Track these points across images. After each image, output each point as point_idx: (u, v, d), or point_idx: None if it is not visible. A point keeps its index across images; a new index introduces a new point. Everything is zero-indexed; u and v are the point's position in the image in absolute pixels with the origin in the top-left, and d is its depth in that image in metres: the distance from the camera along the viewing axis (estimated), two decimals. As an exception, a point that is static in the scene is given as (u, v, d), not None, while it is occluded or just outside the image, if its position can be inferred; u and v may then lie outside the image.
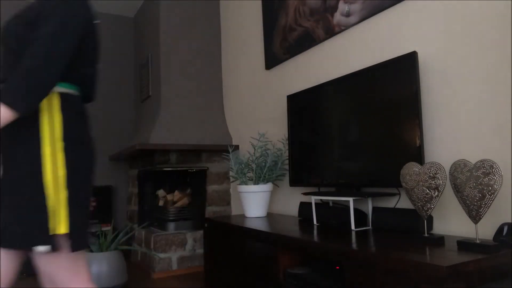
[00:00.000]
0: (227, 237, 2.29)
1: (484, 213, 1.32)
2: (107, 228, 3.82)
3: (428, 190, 1.47)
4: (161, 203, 3.55)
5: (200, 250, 3.28)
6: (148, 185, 3.83)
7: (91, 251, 2.72)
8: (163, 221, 3.39)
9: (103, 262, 2.64)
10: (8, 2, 3.99)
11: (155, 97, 3.77)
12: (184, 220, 3.38)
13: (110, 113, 4.42)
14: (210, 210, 3.42)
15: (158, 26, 3.65)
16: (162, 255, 3.12)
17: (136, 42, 4.54)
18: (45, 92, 1.03)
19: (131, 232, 3.33)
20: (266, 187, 2.51)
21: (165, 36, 3.63)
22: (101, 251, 2.73)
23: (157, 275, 3.09)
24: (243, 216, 2.61)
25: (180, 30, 3.67)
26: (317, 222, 2.09)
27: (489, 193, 1.29)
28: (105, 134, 4.35)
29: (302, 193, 2.22)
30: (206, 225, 2.58)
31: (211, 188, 3.49)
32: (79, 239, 1.03)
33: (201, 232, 3.29)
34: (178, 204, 3.43)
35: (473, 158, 1.57)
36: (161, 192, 3.61)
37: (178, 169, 3.39)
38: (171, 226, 3.32)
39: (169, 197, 3.53)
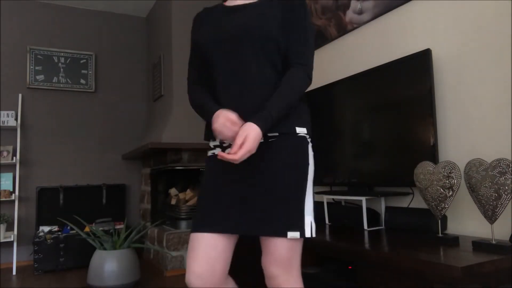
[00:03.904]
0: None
1: (500, 213, 1.29)
2: (120, 226, 3.86)
3: (442, 189, 1.44)
4: (173, 201, 3.57)
5: (212, 249, 3.29)
6: (161, 183, 3.86)
7: (104, 249, 2.76)
8: (175, 220, 3.41)
9: (116, 260, 2.67)
10: (8, 2, 4.05)
11: (167, 96, 3.79)
12: (196, 219, 3.39)
13: (123, 112, 4.46)
14: (222, 209, 3.43)
15: (170, 26, 3.67)
16: (174, 253, 3.14)
17: (148, 42, 4.57)
18: None
19: (144, 230, 3.36)
20: (277, 186, 2.50)
21: (177, 35, 3.65)
22: (114, 249, 2.76)
23: (169, 273, 3.11)
24: (254, 215, 2.61)
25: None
26: (329, 222, 2.08)
27: (506, 192, 1.27)
28: (118, 133, 4.40)
29: (314, 192, 2.21)
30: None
31: (223, 187, 3.49)
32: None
33: (213, 230, 3.30)
34: (190, 202, 3.45)
35: (488, 157, 1.55)
36: (173, 191, 3.64)
37: (190, 168, 3.41)
38: (183, 224, 3.34)
39: (182, 195, 3.55)
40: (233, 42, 1.16)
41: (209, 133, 1.26)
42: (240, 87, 1.16)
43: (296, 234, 1.10)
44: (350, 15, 2.27)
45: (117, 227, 3.84)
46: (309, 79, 1.19)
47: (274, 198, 1.12)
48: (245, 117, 1.11)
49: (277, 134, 1.16)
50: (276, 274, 1.11)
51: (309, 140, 1.21)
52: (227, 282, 1.20)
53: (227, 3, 1.27)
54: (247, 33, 1.14)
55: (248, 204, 1.13)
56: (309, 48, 1.20)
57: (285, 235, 1.09)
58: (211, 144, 1.28)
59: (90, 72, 4.30)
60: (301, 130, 1.19)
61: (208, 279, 1.12)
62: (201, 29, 1.24)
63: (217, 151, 1.24)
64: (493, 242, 1.29)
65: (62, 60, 4.19)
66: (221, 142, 1.24)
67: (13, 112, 3.79)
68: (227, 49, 1.17)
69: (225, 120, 1.09)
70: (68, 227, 3.63)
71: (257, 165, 1.15)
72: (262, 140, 1.15)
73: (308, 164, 1.18)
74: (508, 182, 1.26)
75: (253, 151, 1.06)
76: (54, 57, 4.15)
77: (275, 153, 1.14)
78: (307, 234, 1.12)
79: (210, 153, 1.27)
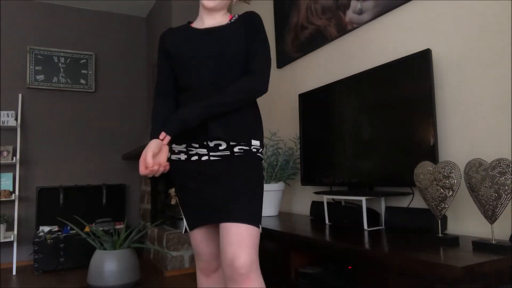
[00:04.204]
0: (238, 236, 2.29)
1: (500, 213, 1.29)
2: (120, 226, 3.86)
3: (442, 189, 1.44)
4: (173, 201, 3.57)
5: (212, 249, 3.29)
6: (161, 183, 3.86)
7: (105, 249, 2.76)
8: (175, 220, 3.41)
9: (116, 260, 2.67)
10: (8, 2, 4.05)
11: (167, 96, 3.79)
12: (196, 219, 3.39)
13: (123, 112, 4.46)
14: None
15: (170, 26, 3.67)
16: (174, 253, 3.14)
17: (148, 42, 4.57)
18: None
19: (144, 230, 3.36)
20: (277, 186, 2.50)
21: (177, 35, 3.64)
22: (114, 249, 2.76)
23: (169, 273, 3.11)
24: (254, 215, 2.61)
25: (192, 30, 3.69)
26: (329, 222, 2.08)
27: (506, 192, 1.27)
28: (118, 133, 4.40)
29: (314, 192, 2.21)
30: (218, 223, 2.58)
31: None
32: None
33: (213, 230, 3.30)
34: (190, 202, 3.45)
35: (488, 157, 1.55)
36: (173, 191, 3.64)
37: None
38: (184, 224, 3.34)
39: (181, 195, 3.54)
40: (212, 59, 1.33)
41: (176, 138, 1.35)
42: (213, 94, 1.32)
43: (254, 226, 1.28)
44: (350, 15, 2.27)
45: (117, 227, 3.84)
46: (256, 87, 1.31)
47: (240, 196, 1.29)
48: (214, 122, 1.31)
49: (241, 149, 1.34)
50: (239, 253, 1.19)
51: (261, 155, 1.41)
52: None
53: (195, 25, 1.45)
54: (223, 54, 1.33)
55: (216, 202, 1.33)
56: (262, 62, 1.33)
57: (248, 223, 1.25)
58: (176, 148, 1.40)
59: (90, 72, 4.30)
60: (255, 144, 1.37)
61: (212, 258, 1.44)
62: (181, 45, 1.39)
63: (182, 156, 1.39)
64: (493, 242, 1.29)
65: (62, 60, 4.19)
66: (187, 149, 1.37)
67: (13, 112, 3.80)
68: (207, 64, 1.33)
69: (145, 152, 1.25)
70: (68, 227, 3.63)
71: (217, 173, 1.34)
72: (228, 153, 1.34)
73: (261, 177, 1.37)
74: (508, 182, 1.26)
75: (150, 162, 1.22)
76: (54, 57, 4.16)
77: (236, 167, 1.33)
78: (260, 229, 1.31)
79: (174, 157, 1.42)
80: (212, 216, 1.34)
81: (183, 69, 1.38)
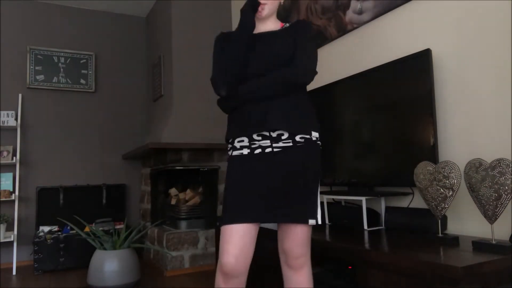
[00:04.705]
0: (238, 236, 2.29)
1: (500, 213, 1.29)
2: (120, 226, 3.86)
3: (442, 189, 1.44)
4: (173, 201, 3.57)
5: (212, 249, 3.29)
6: (161, 183, 3.85)
7: (105, 249, 2.76)
8: (175, 220, 3.41)
9: (116, 260, 2.67)
10: (8, 2, 4.05)
11: (167, 96, 3.79)
12: (196, 219, 3.39)
13: (123, 112, 4.46)
14: (222, 209, 3.43)
15: (170, 26, 3.67)
16: (174, 253, 3.14)
17: (148, 42, 4.57)
18: None
19: (144, 230, 3.36)
20: (277, 186, 2.50)
21: (177, 35, 3.65)
22: (114, 249, 2.76)
23: (169, 273, 3.11)
24: (254, 215, 2.61)
25: (192, 30, 3.69)
26: (329, 222, 2.08)
27: (506, 192, 1.27)
28: (118, 133, 4.40)
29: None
30: (218, 223, 2.58)
31: (223, 186, 3.50)
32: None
33: (213, 230, 3.30)
34: (190, 202, 3.45)
35: (488, 157, 1.55)
36: (173, 191, 3.64)
37: (190, 168, 3.41)
38: (183, 224, 3.34)
39: (181, 195, 3.55)
40: (263, 60, 1.41)
41: (233, 133, 1.42)
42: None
43: (313, 221, 1.36)
44: (350, 15, 2.27)
45: (117, 227, 3.84)
46: (295, 74, 1.37)
47: (297, 193, 1.35)
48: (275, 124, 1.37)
49: (302, 140, 1.38)
50: (301, 253, 1.36)
51: (320, 144, 1.46)
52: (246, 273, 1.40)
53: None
54: (271, 55, 1.41)
55: (273, 197, 1.34)
56: (305, 55, 1.39)
57: (307, 222, 1.35)
58: (238, 144, 1.42)
59: (90, 72, 4.30)
60: (315, 135, 1.42)
61: (241, 261, 1.31)
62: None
63: (245, 151, 1.39)
64: (493, 242, 1.29)
65: (62, 60, 4.19)
66: (250, 143, 1.39)
67: (13, 112, 3.79)
68: (256, 63, 1.41)
69: None
70: (68, 227, 3.63)
71: (280, 165, 1.36)
72: (291, 144, 1.37)
73: (320, 166, 1.44)
74: (508, 182, 1.26)
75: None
76: (54, 57, 4.15)
77: (297, 157, 1.37)
78: (319, 221, 1.39)
79: (236, 152, 1.41)
80: (273, 213, 1.34)
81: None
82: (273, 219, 1.34)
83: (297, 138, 1.37)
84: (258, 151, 1.37)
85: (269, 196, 1.34)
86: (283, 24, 1.52)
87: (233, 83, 1.39)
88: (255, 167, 1.36)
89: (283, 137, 1.36)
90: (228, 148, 1.46)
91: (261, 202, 1.34)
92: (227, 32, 1.53)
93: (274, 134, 1.36)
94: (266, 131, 1.36)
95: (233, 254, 1.30)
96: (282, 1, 1.51)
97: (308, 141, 1.39)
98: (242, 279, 1.34)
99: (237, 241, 1.31)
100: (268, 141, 1.37)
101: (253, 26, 1.39)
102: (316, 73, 1.40)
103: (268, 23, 1.50)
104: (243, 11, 1.40)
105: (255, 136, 1.38)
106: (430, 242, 1.46)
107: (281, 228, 1.41)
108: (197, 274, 3.12)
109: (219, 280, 1.34)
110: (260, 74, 1.39)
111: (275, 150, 1.36)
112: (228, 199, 1.37)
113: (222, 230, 1.35)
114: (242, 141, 1.40)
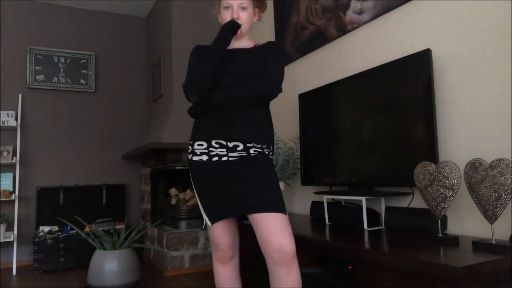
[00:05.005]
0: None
1: (500, 213, 1.29)
2: (120, 226, 3.86)
3: (442, 189, 1.44)
4: (173, 201, 3.57)
5: (212, 249, 3.29)
6: (161, 183, 3.85)
7: (105, 249, 2.76)
8: (175, 220, 3.41)
9: (116, 260, 2.67)
10: (8, 2, 4.05)
11: (167, 96, 3.79)
12: (196, 219, 3.39)
13: (123, 112, 4.46)
14: (222, 209, 3.43)
15: (170, 26, 3.67)
16: (174, 253, 3.14)
17: (148, 42, 4.57)
18: None
19: (144, 230, 3.36)
20: (277, 186, 2.50)
21: (177, 35, 3.65)
22: (114, 249, 2.76)
23: (169, 273, 3.11)
24: (254, 215, 2.61)
25: (192, 30, 3.68)
26: (329, 222, 2.08)
27: (506, 192, 1.27)
28: (118, 133, 4.40)
29: (314, 192, 2.21)
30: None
31: (223, 187, 3.49)
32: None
33: (213, 230, 3.30)
34: (190, 202, 3.45)
35: (488, 157, 1.55)
36: (173, 191, 3.64)
37: (190, 168, 3.40)
38: (183, 224, 3.34)
39: (181, 195, 3.55)
40: (236, 74, 1.55)
41: (198, 135, 1.56)
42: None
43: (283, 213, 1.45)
44: (350, 15, 2.27)
45: (117, 227, 3.84)
46: (263, 88, 1.50)
47: (266, 190, 1.45)
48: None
49: (256, 150, 1.51)
50: (285, 241, 1.36)
51: (272, 159, 1.60)
52: (238, 277, 1.67)
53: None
54: (246, 72, 1.55)
55: (237, 194, 1.46)
56: (273, 69, 1.53)
57: (278, 211, 1.42)
58: (198, 149, 1.55)
59: (90, 72, 4.30)
60: (269, 147, 1.56)
61: (230, 245, 1.60)
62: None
63: (204, 157, 1.52)
64: (493, 242, 1.29)
65: (62, 60, 4.19)
66: (209, 150, 1.52)
67: (13, 112, 3.79)
68: (231, 78, 1.55)
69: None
70: (68, 227, 3.63)
71: (236, 170, 1.48)
72: (245, 154, 1.51)
73: (276, 174, 1.56)
74: (508, 182, 1.26)
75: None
76: (54, 57, 4.15)
77: (255, 165, 1.50)
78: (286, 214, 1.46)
79: (196, 158, 1.54)
80: (239, 208, 1.46)
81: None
82: (243, 211, 1.45)
83: (251, 150, 1.50)
84: (215, 158, 1.51)
85: (233, 193, 1.46)
86: (255, 43, 1.67)
87: (204, 93, 1.51)
88: (213, 171, 1.50)
89: (238, 148, 1.49)
90: (189, 151, 1.59)
91: (228, 200, 1.48)
92: (203, 46, 1.67)
93: (230, 144, 1.49)
94: (224, 140, 1.50)
95: (224, 239, 1.58)
96: (255, 20, 1.66)
97: (261, 153, 1.52)
98: (235, 261, 1.64)
99: (223, 232, 1.58)
100: (224, 150, 1.50)
101: (229, 44, 1.54)
102: (281, 90, 1.53)
103: (242, 41, 1.64)
104: (223, 28, 1.54)
105: (213, 143, 1.51)
106: (430, 242, 1.46)
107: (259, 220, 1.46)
108: (197, 274, 3.12)
109: (217, 267, 1.64)
110: (233, 86, 1.52)
111: (230, 159, 1.49)
112: (201, 203, 1.58)
113: (208, 230, 1.61)
114: (202, 145, 1.54)
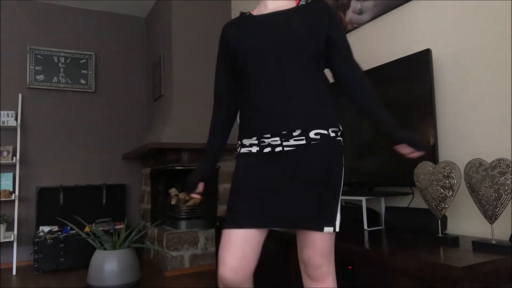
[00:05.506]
0: (238, 236, 2.29)
1: (500, 213, 1.29)
2: (120, 226, 3.86)
3: (442, 189, 1.44)
4: (173, 201, 3.57)
5: (212, 249, 3.29)
6: (161, 183, 3.85)
7: (105, 249, 2.76)
8: (175, 220, 3.41)
9: (116, 260, 2.67)
10: (8, 2, 4.05)
11: (167, 96, 3.79)
12: (196, 219, 3.39)
13: (123, 112, 4.46)
14: (222, 209, 3.43)
15: (170, 26, 3.67)
16: (174, 253, 3.14)
17: (148, 42, 4.57)
18: None
19: (144, 230, 3.36)
20: (277, 186, 2.50)
21: (177, 35, 3.65)
22: (114, 249, 2.76)
23: (169, 273, 3.11)
24: (254, 215, 2.61)
25: (192, 30, 3.69)
26: (329, 222, 2.08)
27: (506, 192, 1.27)
28: (118, 133, 4.40)
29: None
30: (218, 223, 2.58)
31: (223, 186, 3.50)
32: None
33: (213, 230, 3.30)
34: (190, 202, 3.45)
35: (488, 157, 1.55)
36: (173, 191, 3.64)
37: (190, 167, 3.41)
38: (183, 224, 3.34)
39: (182, 195, 3.55)
40: (273, 52, 1.23)
41: (246, 132, 1.29)
42: (282, 92, 1.22)
43: (330, 229, 1.19)
44: (350, 15, 2.27)
45: (117, 227, 3.84)
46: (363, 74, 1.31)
47: (314, 196, 1.19)
48: (289, 119, 1.20)
49: (318, 137, 1.21)
50: (321, 263, 1.20)
51: (342, 141, 1.29)
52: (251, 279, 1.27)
53: (256, 12, 1.33)
54: (286, 45, 1.22)
55: (287, 200, 1.20)
56: (347, 43, 1.31)
57: (322, 229, 1.18)
58: (247, 142, 1.29)
59: (90, 72, 4.30)
60: (335, 130, 1.26)
61: (241, 272, 1.18)
62: (240, 41, 1.28)
63: (254, 149, 1.26)
64: (493, 242, 1.29)
65: (62, 60, 4.19)
66: (259, 141, 1.25)
67: (13, 112, 3.79)
68: (267, 59, 1.23)
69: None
70: (68, 227, 3.63)
71: (296, 164, 1.21)
72: (304, 142, 1.21)
73: (342, 166, 1.28)
74: (508, 182, 1.26)
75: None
76: (54, 57, 4.15)
77: (314, 156, 1.21)
78: (337, 229, 1.22)
79: (244, 150, 1.29)
80: (284, 219, 1.20)
81: (239, 67, 1.30)
82: (279, 224, 1.20)
83: (312, 134, 1.21)
84: (267, 149, 1.23)
85: (277, 200, 1.20)
86: (298, 1, 1.31)
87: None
88: (263, 167, 1.23)
89: (294, 134, 1.20)
90: (237, 145, 1.34)
91: (266, 206, 1.20)
92: (238, 20, 1.35)
93: (283, 131, 1.21)
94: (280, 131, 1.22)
95: (231, 266, 1.17)
96: None
97: (325, 137, 1.22)
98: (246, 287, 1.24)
99: (236, 250, 1.18)
100: (278, 138, 1.21)
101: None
102: None
103: (280, 1, 1.31)
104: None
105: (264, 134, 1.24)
106: (430, 242, 1.46)
107: (298, 235, 1.26)
108: (197, 274, 3.12)
109: None
110: (275, 56, 1.22)
111: (285, 149, 1.21)
112: (230, 201, 1.26)
113: (222, 234, 1.23)
114: (251, 138, 1.28)
